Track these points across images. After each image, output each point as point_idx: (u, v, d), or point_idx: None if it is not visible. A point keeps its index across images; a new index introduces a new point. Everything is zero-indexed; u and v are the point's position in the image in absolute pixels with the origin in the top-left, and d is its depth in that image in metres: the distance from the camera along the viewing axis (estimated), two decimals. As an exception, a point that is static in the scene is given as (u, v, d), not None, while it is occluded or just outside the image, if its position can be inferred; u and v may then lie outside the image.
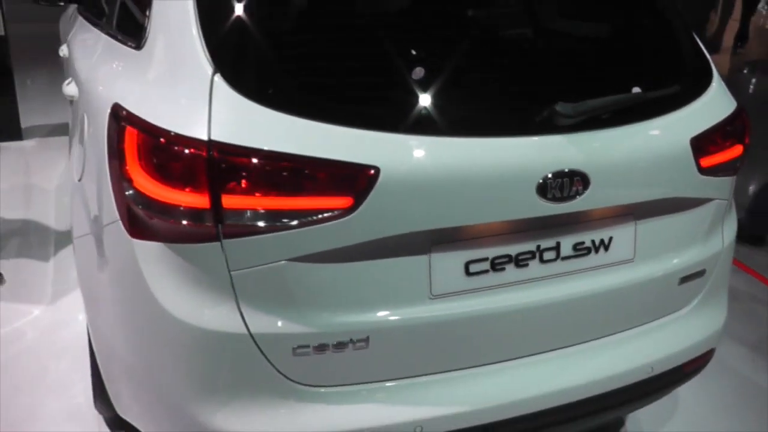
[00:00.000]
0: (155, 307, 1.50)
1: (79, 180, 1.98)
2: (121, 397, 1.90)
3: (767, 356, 2.94)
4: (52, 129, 5.25)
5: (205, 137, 1.40)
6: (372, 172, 1.43)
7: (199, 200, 1.41)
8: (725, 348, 2.94)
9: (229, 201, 1.41)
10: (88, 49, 2.42)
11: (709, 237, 1.97)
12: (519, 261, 1.67)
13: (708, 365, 2.68)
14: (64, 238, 3.66)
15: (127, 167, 1.50)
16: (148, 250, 1.50)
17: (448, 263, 1.59)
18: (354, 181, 1.44)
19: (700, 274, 1.97)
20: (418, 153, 1.48)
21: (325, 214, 1.44)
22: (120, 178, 1.53)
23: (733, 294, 3.32)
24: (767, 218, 3.98)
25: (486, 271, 1.64)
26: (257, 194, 1.41)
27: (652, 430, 2.45)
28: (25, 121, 5.12)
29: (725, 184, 1.95)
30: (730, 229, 2.06)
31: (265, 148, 1.41)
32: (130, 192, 1.49)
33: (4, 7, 4.82)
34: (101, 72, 1.99)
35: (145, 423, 1.80)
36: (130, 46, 1.82)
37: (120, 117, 1.58)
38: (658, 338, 1.93)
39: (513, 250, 1.66)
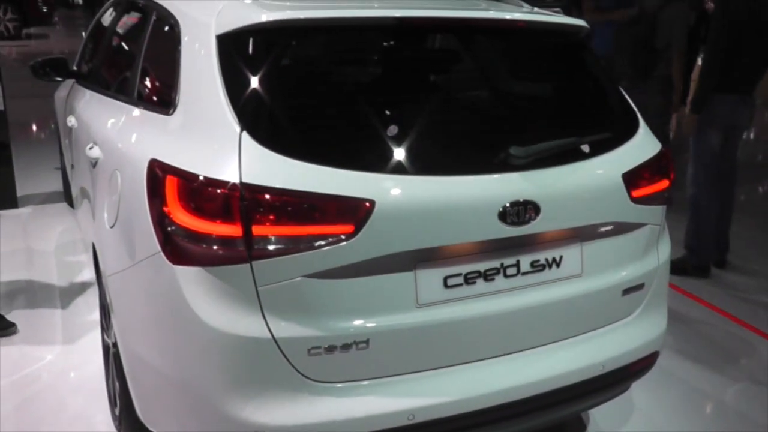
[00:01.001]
0: (195, 320, 1.84)
1: (112, 226, 2.33)
2: (151, 410, 2.20)
3: (709, 368, 3.33)
4: (46, 197, 5.55)
5: (237, 180, 1.78)
6: (368, 204, 1.82)
7: (233, 230, 1.78)
8: (675, 362, 3.33)
9: (257, 230, 1.78)
10: (108, 116, 2.80)
11: (645, 256, 2.38)
12: (487, 276, 2.05)
13: (659, 375, 3.07)
14: (68, 293, 3.94)
15: (168, 207, 1.87)
16: (188, 274, 1.85)
17: (430, 278, 1.97)
18: (355, 211, 1.82)
19: (640, 287, 2.37)
20: (405, 189, 1.88)
21: (332, 239, 1.81)
22: (161, 216, 1.89)
23: (680, 317, 3.74)
24: (700, 251, 4.40)
25: (461, 284, 2.01)
26: (279, 224, 1.79)
27: (611, 429, 2.80)
28: (21, 190, 5.42)
29: (656, 211, 2.37)
30: (664, 250, 2.48)
31: (285, 187, 1.79)
32: (172, 227, 1.85)
33: (3, 83, 5.18)
34: (132, 135, 2.37)
35: (172, 428, 2.11)
36: (160, 113, 2.20)
37: (158, 168, 1.96)
38: (607, 341, 2.30)
39: (482, 266, 2.04)
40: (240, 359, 1.85)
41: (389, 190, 1.86)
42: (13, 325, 3.54)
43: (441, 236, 1.94)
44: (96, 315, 3.56)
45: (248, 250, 1.78)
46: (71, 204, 4.94)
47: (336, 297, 1.87)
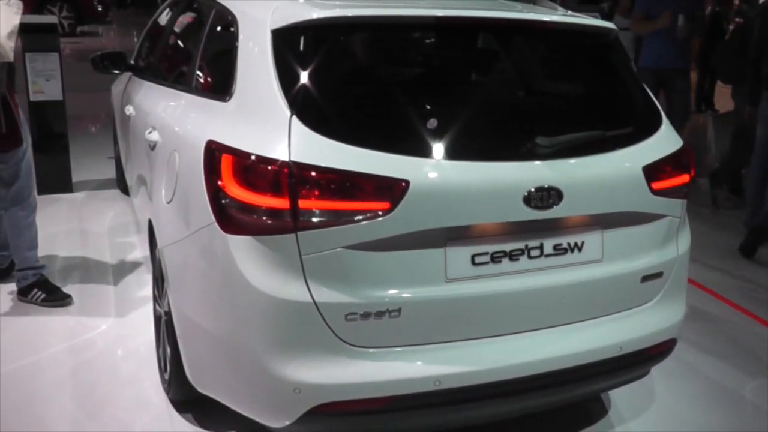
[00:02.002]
0: (245, 285, 2.05)
1: (169, 202, 2.55)
2: (200, 372, 2.42)
3: (730, 364, 3.43)
4: (100, 183, 5.86)
5: (287, 158, 1.98)
6: (404, 184, 2.01)
7: (282, 203, 1.98)
8: (696, 356, 3.44)
9: (303, 203, 1.98)
10: (168, 104, 3.03)
11: (665, 246, 2.51)
12: (512, 256, 2.22)
13: (680, 368, 3.19)
14: (120, 270, 4.21)
15: (223, 182, 2.08)
16: (240, 243, 2.05)
17: (459, 255, 2.14)
18: (391, 190, 2.01)
19: (658, 275, 2.50)
20: (438, 171, 2.06)
21: (370, 214, 2.00)
22: (216, 190, 2.10)
23: (703, 313, 3.84)
24: None
25: (487, 263, 2.18)
26: (323, 198, 1.98)
27: (634, 419, 2.93)
28: (76, 176, 5.73)
29: (676, 204, 2.51)
30: (684, 242, 2.61)
31: (329, 166, 1.98)
32: (226, 200, 2.06)
33: (63, 77, 5.49)
34: (190, 119, 2.60)
35: (220, 389, 2.32)
36: (217, 100, 2.42)
37: (214, 148, 2.17)
38: (625, 325, 2.45)
39: (507, 247, 2.21)
40: (284, 322, 2.04)
41: (423, 172, 2.04)
42: (69, 296, 3.79)
43: (470, 216, 2.11)
44: (146, 291, 3.81)
45: (294, 222, 1.98)
46: (123, 190, 5.23)
47: (372, 268, 2.05)
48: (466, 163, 2.10)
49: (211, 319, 2.24)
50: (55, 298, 3.77)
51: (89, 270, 4.24)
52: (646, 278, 2.47)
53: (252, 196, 2.02)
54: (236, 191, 2.04)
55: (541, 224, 2.21)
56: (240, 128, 2.19)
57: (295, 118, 2.05)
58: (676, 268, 2.55)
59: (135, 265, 4.26)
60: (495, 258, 2.19)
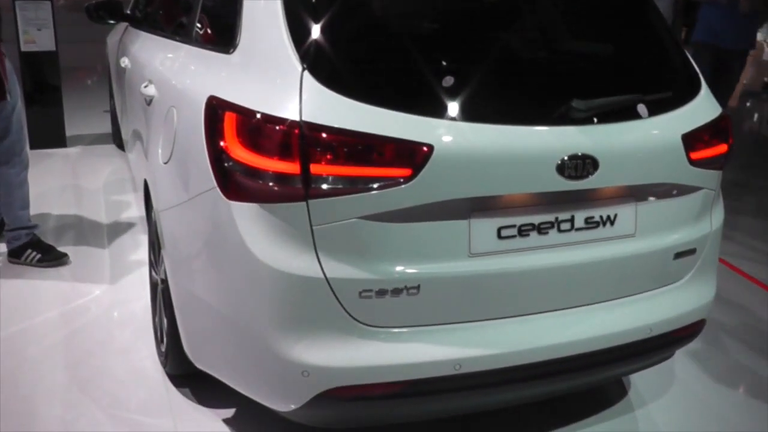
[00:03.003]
0: (249, 257, 1.86)
1: (166, 162, 2.35)
2: (199, 347, 2.24)
3: (756, 348, 3.27)
4: (95, 138, 5.64)
5: (297, 118, 1.78)
6: (427, 149, 1.80)
7: (291, 167, 1.78)
8: (720, 337, 3.28)
9: (315, 168, 1.77)
10: (165, 56, 2.81)
11: (699, 221, 2.33)
12: (541, 229, 2.03)
13: (703, 348, 3.03)
14: (115, 230, 4.02)
15: (226, 143, 1.88)
16: (244, 210, 1.86)
17: (484, 227, 1.95)
18: (413, 155, 1.80)
19: (691, 251, 2.32)
20: (464, 135, 1.85)
21: (389, 181, 1.80)
22: (218, 151, 1.90)
23: (729, 294, 3.68)
24: None
25: (514, 236, 2.00)
26: (337, 163, 1.78)
27: (654, 401, 2.78)
28: (70, 131, 5.51)
29: (713, 176, 2.32)
30: (717, 216, 2.42)
31: (344, 127, 1.78)
32: (230, 162, 1.86)
33: (56, 27, 5.24)
34: (190, 73, 2.38)
35: (220, 367, 2.15)
36: (219, 52, 2.20)
37: (216, 105, 1.96)
38: (656, 304, 2.27)
39: (536, 219, 2.02)
40: (292, 298, 1.86)
41: (448, 136, 1.84)
42: (65, 255, 3.63)
43: (498, 186, 1.92)
44: (142, 254, 3.64)
45: (305, 188, 1.79)
46: (119, 146, 5.02)
47: (389, 241, 1.87)
48: (496, 127, 1.90)
49: (211, 293, 2.06)
50: (52, 257, 3.61)
51: (83, 230, 4.06)
52: (679, 255, 2.29)
53: (258, 159, 1.82)
54: (241, 153, 1.84)
55: (573, 195, 2.02)
56: (245, 83, 1.98)
57: (307, 73, 1.84)
58: (709, 245, 2.37)
59: (130, 226, 4.08)
60: (522, 231, 2.01)
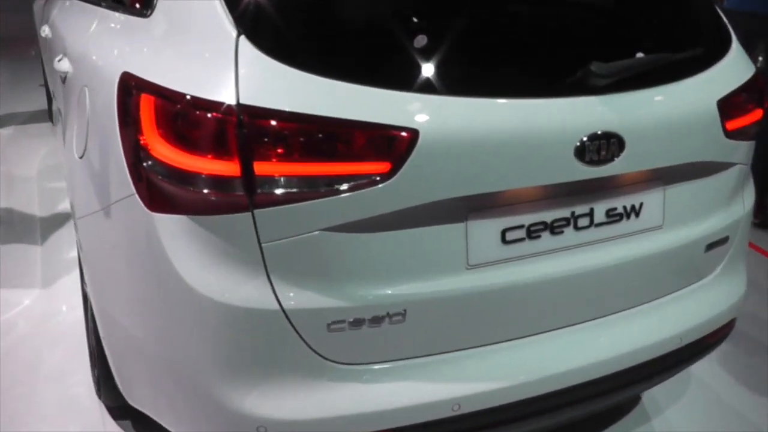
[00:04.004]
0: (179, 284, 1.41)
1: (81, 157, 1.87)
2: (132, 385, 1.80)
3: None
4: (29, 116, 5.08)
5: (233, 101, 1.31)
6: (410, 135, 1.36)
7: (229, 168, 1.32)
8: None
9: (261, 168, 1.32)
10: (80, 23, 2.30)
11: (731, 203, 1.93)
12: (554, 228, 1.61)
13: (728, 347, 2.67)
14: (50, 225, 3.53)
15: (144, 136, 1.41)
16: (170, 225, 1.41)
17: (485, 231, 1.53)
18: (392, 144, 1.36)
19: (723, 240, 1.93)
20: (457, 115, 1.41)
21: (362, 181, 1.36)
22: (135, 148, 1.43)
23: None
24: None
25: (522, 239, 1.57)
26: (291, 160, 1.33)
27: (671, 406, 2.42)
28: (1, 109, 4.95)
29: (747, 148, 1.91)
30: (749, 196, 2.03)
31: (298, 111, 1.32)
32: (149, 162, 1.40)
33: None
34: (103, 44, 1.88)
35: (160, 411, 1.72)
36: (136, 15, 1.72)
37: (131, 86, 1.49)
38: (684, 308, 1.88)
39: (548, 216, 1.60)
40: (239, 336, 1.43)
41: (437, 116, 1.39)
42: (-13, 260, 3.15)
43: (501, 178, 1.48)
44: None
45: (249, 195, 1.34)
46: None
47: (365, 256, 1.43)
48: (496, 102, 1.46)
49: (138, 326, 1.61)
50: None
51: (13, 225, 3.57)
52: (711, 246, 1.90)
53: (185, 158, 1.36)
54: (162, 150, 1.38)
55: (593, 184, 1.60)
56: (165, 55, 1.51)
57: (244, 40, 1.37)
58: (741, 230, 1.98)
59: (67, 218, 3.59)
60: (532, 232, 1.59)
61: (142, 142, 1.41)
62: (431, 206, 1.43)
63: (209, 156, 1.33)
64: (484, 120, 1.43)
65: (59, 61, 2.30)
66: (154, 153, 1.39)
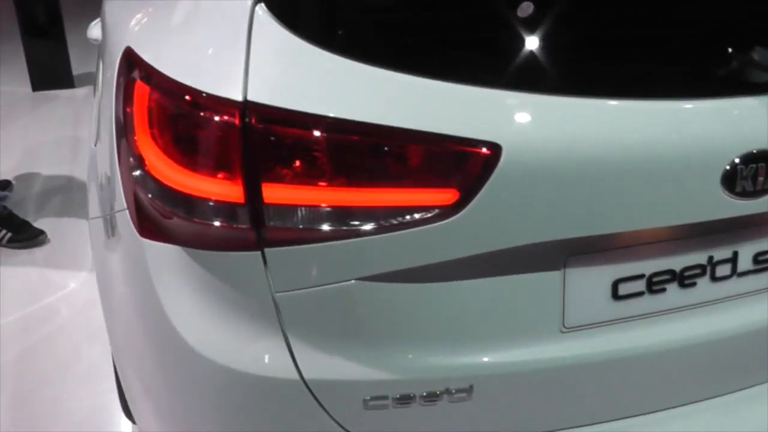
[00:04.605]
0: (172, 335, 1.07)
1: (95, 145, 1.56)
2: (139, 411, 1.49)
3: None
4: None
5: (239, 97, 0.93)
6: (489, 151, 0.95)
7: (231, 191, 0.95)
8: None
9: (273, 193, 0.95)
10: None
11: None
12: (684, 278, 1.17)
13: None
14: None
15: (136, 138, 1.06)
16: (162, 257, 1.06)
17: (590, 282, 1.11)
18: (462, 164, 0.95)
19: None
20: (557, 122, 0.98)
21: (417, 215, 0.96)
22: (128, 152, 1.09)
23: None
24: None
25: (640, 293, 1.14)
26: (316, 183, 0.95)
27: None
28: (77, 69, 4.79)
29: None
30: None
31: (331, 114, 0.93)
32: (139, 173, 1.05)
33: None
34: (123, 10, 1.54)
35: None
36: None
37: (131, 66, 1.13)
38: None
39: (677, 263, 1.15)
40: (247, 411, 1.07)
41: (529, 126, 0.97)
42: (41, 233, 2.96)
43: (616, 215, 1.05)
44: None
45: (256, 228, 0.97)
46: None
47: (418, 314, 1.05)
48: (614, 106, 1.02)
49: (137, 360, 1.29)
50: (25, 236, 2.95)
51: (72, 197, 3.37)
52: None
53: (179, 175, 0.99)
54: (154, 160, 1.02)
55: (740, 221, 1.14)
56: (169, 28, 1.14)
57: (261, 9, 0.98)
58: None
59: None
60: (655, 284, 1.15)
61: (135, 146, 1.06)
62: (514, 251, 1.02)
63: (204, 172, 0.96)
64: (594, 131, 0.99)
65: (94, 25, 2.00)
66: (147, 164, 1.04)
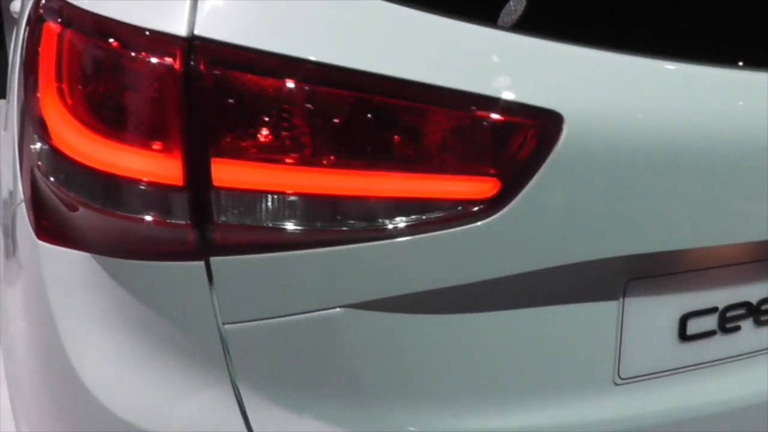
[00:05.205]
0: (72, 382, 0.74)
1: (4, 131, 1.23)
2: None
3: None
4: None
5: (182, 31, 0.63)
6: (545, 124, 0.66)
7: (163, 167, 0.64)
8: None
9: (227, 172, 0.64)
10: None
11: None
12: (762, 313, 0.89)
13: None
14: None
15: (39, 97, 0.74)
16: (62, 267, 0.74)
17: (654, 317, 0.83)
18: (504, 141, 0.66)
19: None
20: (640, 90, 0.70)
21: (436, 214, 0.67)
22: (29, 119, 0.77)
23: None
24: None
25: (711, 333, 0.86)
26: (292, 161, 0.64)
27: None
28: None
29: None
30: None
31: (314, 58, 0.63)
32: (38, 146, 0.73)
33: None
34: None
35: None
36: None
37: (39, 7, 0.82)
38: None
39: (754, 293, 0.88)
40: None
41: (600, 93, 0.69)
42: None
43: (700, 225, 0.77)
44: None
45: (199, 225, 0.65)
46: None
47: (428, 358, 0.74)
48: (724, 75, 0.74)
49: (37, 423, 0.95)
50: None
51: None
52: None
53: (92, 146, 0.67)
54: (62, 131, 0.70)
55: None
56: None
57: None
58: None
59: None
60: (728, 321, 0.87)
61: (35, 107, 0.74)
62: (560, 272, 0.73)
63: (124, 141, 0.65)
64: (697, 106, 0.72)
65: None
66: (47, 128, 0.72)
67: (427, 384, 0.74)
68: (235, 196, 0.64)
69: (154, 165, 0.64)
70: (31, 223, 0.77)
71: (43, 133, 0.72)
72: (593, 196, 0.69)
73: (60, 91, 0.71)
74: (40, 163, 0.72)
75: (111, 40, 0.66)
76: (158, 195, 0.64)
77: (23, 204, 0.82)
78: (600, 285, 0.78)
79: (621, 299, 0.80)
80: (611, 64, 0.70)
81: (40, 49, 0.75)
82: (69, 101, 0.70)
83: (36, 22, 0.79)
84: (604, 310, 0.79)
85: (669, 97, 0.71)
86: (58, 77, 0.72)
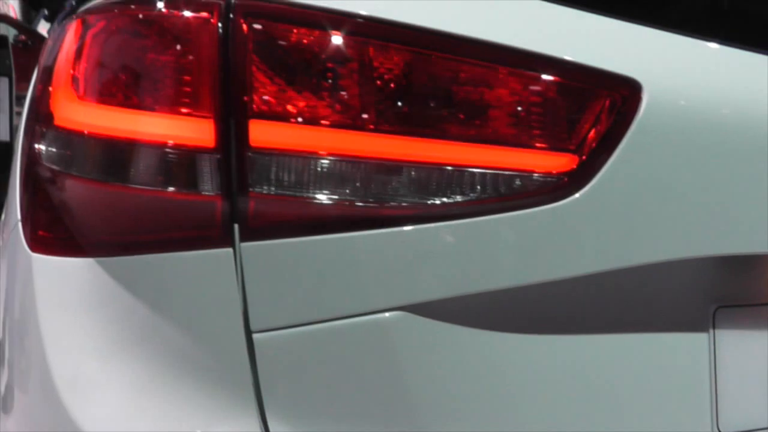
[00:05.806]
0: (57, 410, 0.60)
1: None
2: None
3: None
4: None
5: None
6: (626, 93, 0.58)
7: (194, 129, 0.55)
8: None
9: (266, 132, 0.55)
10: None
11: None
12: None
13: None
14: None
15: (51, 90, 0.65)
16: (58, 280, 0.62)
17: (754, 350, 0.70)
18: (580, 111, 0.58)
19: None
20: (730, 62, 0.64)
21: (509, 189, 0.57)
22: (35, 110, 0.68)
23: None
24: None
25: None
26: (344, 124, 0.56)
27: None
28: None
29: None
30: None
31: (366, 13, 0.57)
32: (42, 133, 0.65)
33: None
34: None
35: None
36: None
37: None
38: None
39: None
40: None
41: (685, 62, 0.62)
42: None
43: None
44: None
45: (230, 198, 0.55)
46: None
47: (499, 381, 0.61)
48: None
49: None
50: None
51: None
52: None
53: (102, 115, 0.58)
54: (63, 101, 0.61)
55: None
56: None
57: None
58: None
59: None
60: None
61: (42, 93, 0.66)
62: (637, 276, 0.62)
63: (148, 104, 0.57)
64: None
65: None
66: (52, 110, 0.63)
67: (491, 412, 0.60)
68: (276, 160, 0.54)
69: (181, 127, 0.55)
70: (25, 232, 0.67)
71: (47, 119, 0.64)
72: (685, 178, 0.60)
73: (74, 78, 0.63)
74: (42, 150, 0.63)
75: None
76: (184, 160, 0.55)
77: (19, 224, 0.71)
78: (681, 306, 0.66)
79: (711, 331, 0.68)
80: (700, 48, 0.63)
81: (62, 47, 0.68)
82: (84, 65, 0.62)
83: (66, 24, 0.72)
84: (688, 341, 0.67)
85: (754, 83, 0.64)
86: (76, 62, 0.64)
